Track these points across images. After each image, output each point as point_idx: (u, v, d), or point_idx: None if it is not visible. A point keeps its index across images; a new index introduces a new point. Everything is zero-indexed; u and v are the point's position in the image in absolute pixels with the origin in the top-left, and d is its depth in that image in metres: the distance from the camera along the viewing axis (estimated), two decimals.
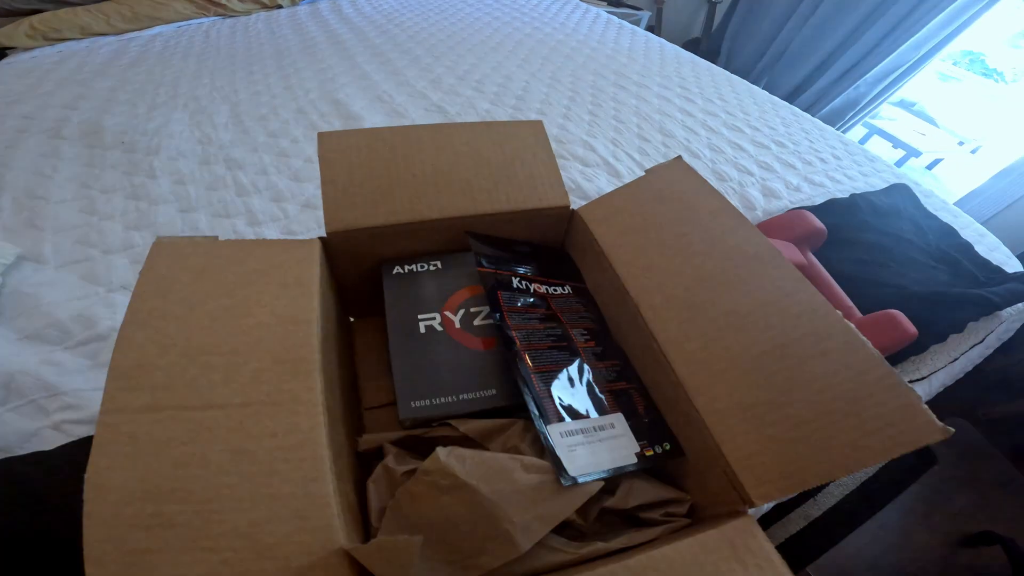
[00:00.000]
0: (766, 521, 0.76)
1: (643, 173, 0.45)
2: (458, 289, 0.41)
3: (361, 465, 0.35)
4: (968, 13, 1.63)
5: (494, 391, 0.35)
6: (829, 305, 0.33)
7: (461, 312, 0.39)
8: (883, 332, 0.63)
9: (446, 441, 0.34)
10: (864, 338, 0.32)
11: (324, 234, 0.38)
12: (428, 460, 0.28)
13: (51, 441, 0.54)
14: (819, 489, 0.94)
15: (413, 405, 0.34)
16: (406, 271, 0.41)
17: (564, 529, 0.29)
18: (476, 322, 0.39)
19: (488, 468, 0.28)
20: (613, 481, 0.31)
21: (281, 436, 0.26)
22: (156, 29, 1.48)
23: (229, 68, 1.25)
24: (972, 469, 1.16)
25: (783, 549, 0.52)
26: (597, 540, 0.29)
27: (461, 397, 0.35)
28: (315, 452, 0.26)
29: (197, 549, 0.22)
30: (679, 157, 0.45)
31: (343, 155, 0.41)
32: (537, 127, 0.47)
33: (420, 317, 0.38)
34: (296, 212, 0.81)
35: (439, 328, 0.38)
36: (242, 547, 0.23)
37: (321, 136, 0.42)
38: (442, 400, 0.34)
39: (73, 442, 0.53)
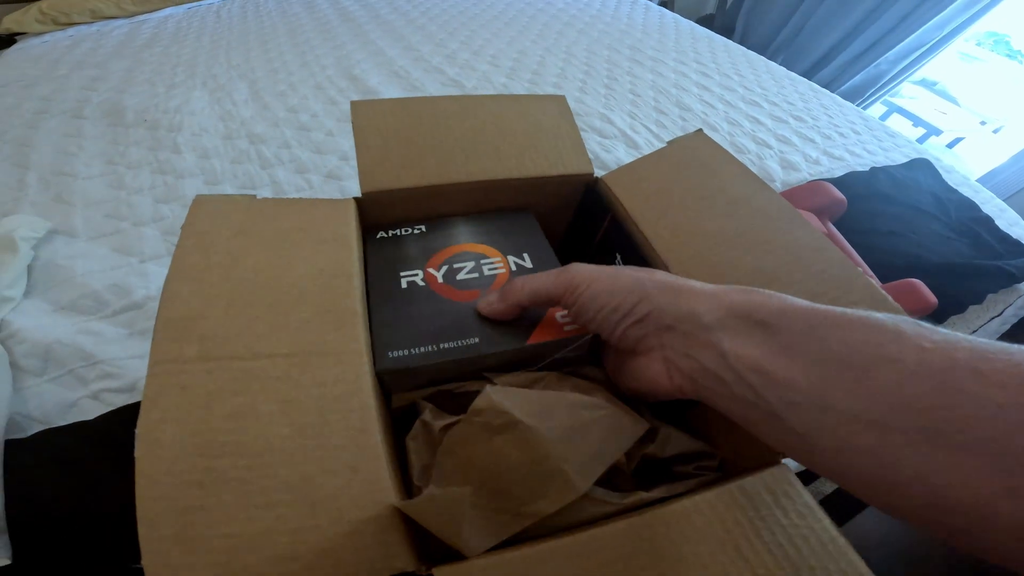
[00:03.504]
0: None
1: (662, 144, 0.46)
2: (443, 248, 0.41)
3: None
4: None
5: (476, 340, 0.34)
6: (850, 262, 0.34)
7: (444, 268, 0.39)
8: (904, 300, 0.63)
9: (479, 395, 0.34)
10: (886, 293, 0.33)
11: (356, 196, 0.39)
12: (478, 399, 0.26)
13: (91, 411, 0.53)
14: None
15: (390, 355, 0.32)
16: (389, 235, 0.41)
17: (605, 479, 0.28)
18: (459, 276, 0.38)
19: (540, 405, 0.26)
20: (651, 429, 0.32)
21: (329, 386, 0.26)
22: (167, 11, 1.48)
23: (244, 46, 1.25)
24: None
25: None
26: (638, 490, 0.28)
27: (442, 346, 0.33)
28: (363, 402, 0.26)
29: (251, 506, 0.22)
30: (700, 130, 0.45)
31: (375, 122, 0.42)
32: (560, 101, 0.48)
33: (403, 274, 0.38)
34: (320, 183, 0.82)
35: (421, 283, 0.37)
36: (295, 501, 0.22)
37: (354, 104, 0.43)
38: (421, 350, 0.33)
39: (113, 411, 0.53)
